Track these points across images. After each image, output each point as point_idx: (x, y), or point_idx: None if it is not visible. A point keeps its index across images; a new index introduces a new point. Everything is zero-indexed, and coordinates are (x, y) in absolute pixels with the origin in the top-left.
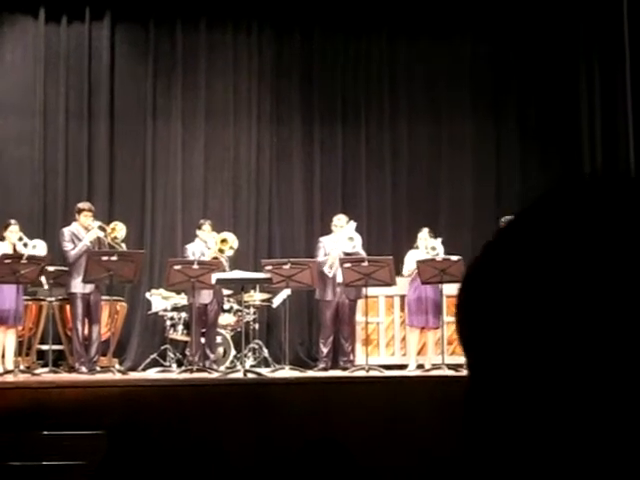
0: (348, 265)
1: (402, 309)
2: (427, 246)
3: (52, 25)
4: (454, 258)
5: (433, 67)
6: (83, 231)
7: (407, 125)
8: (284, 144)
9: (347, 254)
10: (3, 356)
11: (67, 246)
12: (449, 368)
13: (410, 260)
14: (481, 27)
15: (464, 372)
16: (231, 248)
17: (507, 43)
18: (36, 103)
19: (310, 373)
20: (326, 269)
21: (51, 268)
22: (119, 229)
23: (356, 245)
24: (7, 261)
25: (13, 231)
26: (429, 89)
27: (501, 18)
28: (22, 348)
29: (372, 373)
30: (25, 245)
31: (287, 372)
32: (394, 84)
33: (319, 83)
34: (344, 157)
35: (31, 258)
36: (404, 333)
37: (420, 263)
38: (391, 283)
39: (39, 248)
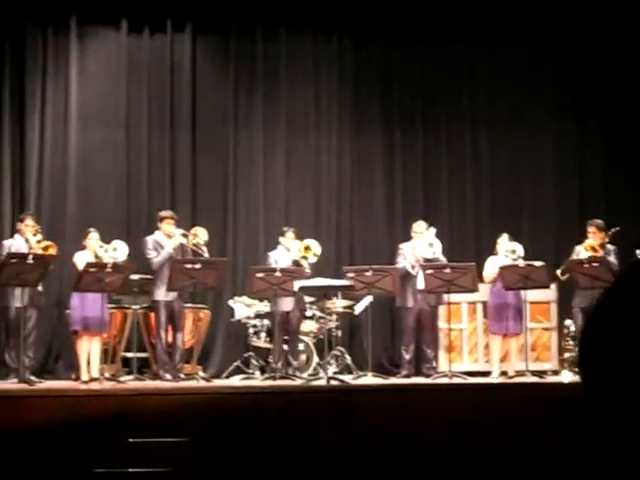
0: (430, 272)
1: (485, 315)
2: (507, 249)
3: (134, 37)
4: (537, 264)
5: (513, 74)
6: (166, 239)
7: (488, 131)
8: (365, 151)
9: (427, 260)
10: (89, 364)
11: (150, 254)
12: (533, 375)
13: (490, 266)
14: (563, 34)
15: (548, 379)
16: (314, 255)
17: (589, 50)
18: (119, 114)
19: (393, 380)
20: (408, 267)
21: (135, 276)
22: (200, 234)
23: (436, 251)
24: (92, 270)
25: (93, 239)
26: (510, 95)
27: (582, 24)
28: (107, 356)
29: (455, 380)
30: (106, 251)
31: (370, 379)
32: (474, 91)
33: (399, 91)
34: (425, 163)
35: (115, 266)
36: (487, 340)
37: (503, 269)
38: (474, 289)
39: (120, 250)
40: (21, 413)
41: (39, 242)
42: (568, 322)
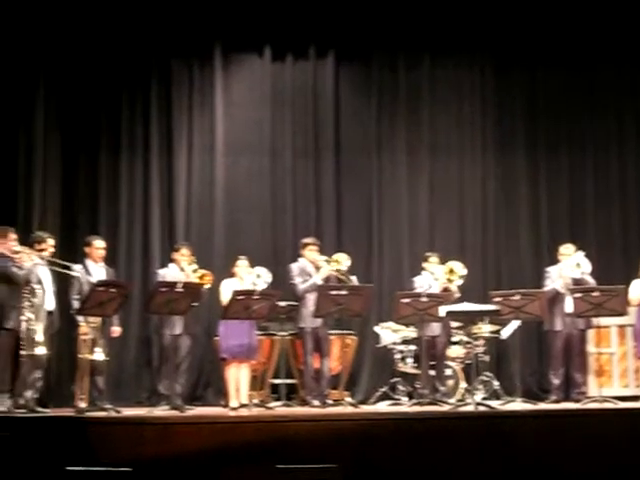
0: (578, 295)
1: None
2: None
3: (277, 64)
4: None
5: None
6: (310, 266)
7: (635, 153)
8: (509, 175)
9: (575, 281)
10: (238, 390)
11: (296, 280)
12: None
13: (635, 289)
14: None
15: None
16: (460, 277)
17: None
18: (264, 142)
19: (542, 405)
20: (558, 287)
21: (282, 303)
22: (342, 260)
23: (584, 271)
24: (240, 297)
25: (241, 266)
26: None
27: None
28: (256, 382)
29: (606, 405)
30: (252, 277)
31: (518, 405)
32: (621, 113)
33: (543, 114)
34: (570, 186)
35: (263, 294)
36: (638, 364)
37: None
38: (623, 313)
39: (263, 277)
40: (172, 439)
41: (195, 271)
42: None
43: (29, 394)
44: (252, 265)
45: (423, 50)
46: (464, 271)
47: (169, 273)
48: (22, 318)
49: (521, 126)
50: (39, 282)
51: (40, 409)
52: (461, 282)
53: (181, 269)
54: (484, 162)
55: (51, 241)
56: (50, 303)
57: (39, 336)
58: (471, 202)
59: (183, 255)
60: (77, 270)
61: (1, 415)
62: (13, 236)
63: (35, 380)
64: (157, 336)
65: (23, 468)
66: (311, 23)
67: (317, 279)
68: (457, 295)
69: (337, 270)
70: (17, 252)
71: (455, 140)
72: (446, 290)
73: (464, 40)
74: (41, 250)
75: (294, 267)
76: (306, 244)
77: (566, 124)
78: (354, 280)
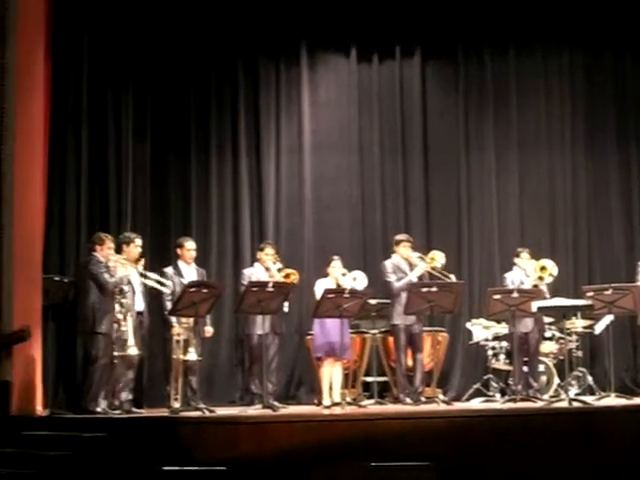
0: None
1: None
2: None
3: (364, 63)
4: None
5: None
6: (403, 262)
7: None
8: (600, 168)
9: None
10: (331, 388)
11: (390, 277)
12: None
13: None
14: None
15: None
16: (550, 275)
17: None
18: (352, 140)
19: (637, 400)
20: None
21: (373, 301)
22: (438, 258)
23: None
24: (330, 296)
25: (335, 266)
26: None
27: None
28: (348, 380)
29: None
30: (344, 275)
31: (613, 400)
32: None
33: (634, 104)
34: None
35: (353, 292)
36: None
37: None
38: None
39: (359, 280)
40: (266, 438)
41: (280, 270)
42: None
43: (124, 395)
44: (344, 264)
45: (509, 42)
46: (555, 270)
47: (254, 273)
48: (113, 320)
49: (612, 116)
50: (128, 283)
51: (135, 410)
52: (551, 280)
53: (266, 268)
54: (574, 155)
55: (139, 241)
56: (139, 304)
57: (130, 337)
58: (561, 196)
59: (267, 254)
60: (168, 285)
61: (97, 416)
62: (111, 244)
63: (129, 381)
64: (245, 336)
65: (119, 468)
66: (396, 22)
67: (413, 277)
68: (546, 295)
69: (433, 268)
70: (113, 261)
71: (544, 134)
72: (535, 287)
73: (551, 27)
74: (131, 254)
75: (388, 264)
76: (399, 241)
77: None
78: (452, 278)
